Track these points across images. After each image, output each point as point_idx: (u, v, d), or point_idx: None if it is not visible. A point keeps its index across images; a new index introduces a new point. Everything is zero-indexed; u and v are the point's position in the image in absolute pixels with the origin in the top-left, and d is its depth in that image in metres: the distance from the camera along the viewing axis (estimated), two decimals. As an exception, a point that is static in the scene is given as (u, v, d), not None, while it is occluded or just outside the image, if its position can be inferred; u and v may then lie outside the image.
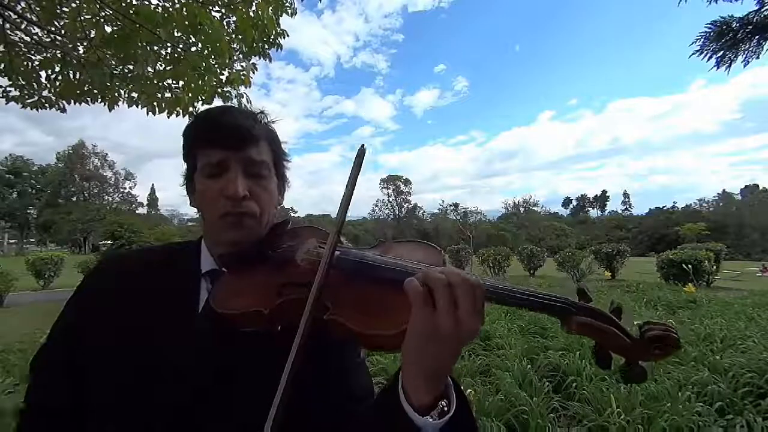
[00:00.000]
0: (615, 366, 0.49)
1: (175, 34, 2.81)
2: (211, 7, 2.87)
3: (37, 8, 2.87)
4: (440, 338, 0.46)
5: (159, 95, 3.15)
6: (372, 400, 0.68)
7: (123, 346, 0.63)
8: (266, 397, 0.45)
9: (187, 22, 2.68)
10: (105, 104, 3.15)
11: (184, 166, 0.74)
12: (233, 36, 3.02)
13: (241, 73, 3.06)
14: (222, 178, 0.66)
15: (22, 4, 2.91)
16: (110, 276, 0.72)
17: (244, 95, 3.26)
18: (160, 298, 0.67)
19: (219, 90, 3.09)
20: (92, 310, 0.68)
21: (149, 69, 2.95)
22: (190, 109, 3.21)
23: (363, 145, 0.58)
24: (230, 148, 0.67)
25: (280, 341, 0.52)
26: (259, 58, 3.17)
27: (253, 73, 3.16)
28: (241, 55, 3.10)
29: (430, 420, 0.48)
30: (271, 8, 2.99)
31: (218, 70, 2.94)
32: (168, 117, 3.19)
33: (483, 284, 0.49)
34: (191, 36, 2.84)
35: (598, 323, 0.48)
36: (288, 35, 3.26)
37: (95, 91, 3.12)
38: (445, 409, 0.49)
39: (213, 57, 2.85)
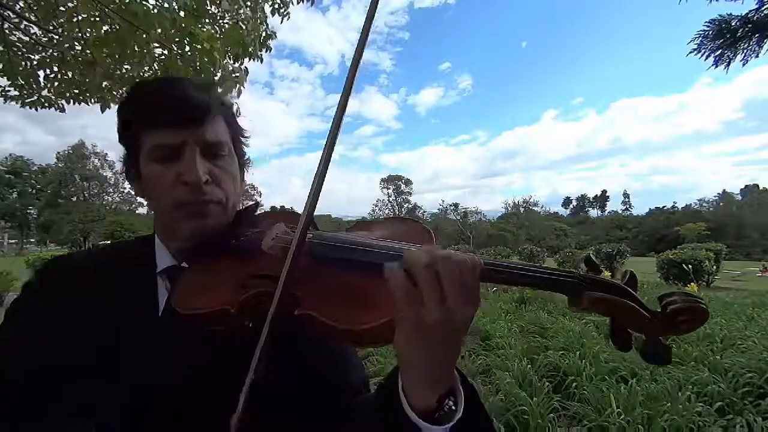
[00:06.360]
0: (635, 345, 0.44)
1: (171, 32, 2.81)
2: (202, 20, 2.88)
3: (35, 7, 2.87)
4: (431, 331, 0.40)
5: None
6: (366, 393, 0.65)
7: (82, 351, 0.57)
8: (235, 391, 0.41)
9: (182, 26, 2.68)
10: (100, 104, 3.14)
11: (122, 149, 0.66)
12: (224, 42, 3.02)
13: (234, 74, 3.05)
14: (177, 161, 0.59)
15: (21, 3, 2.91)
16: (58, 278, 0.66)
17: (236, 104, 3.22)
18: (114, 301, 0.61)
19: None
20: (44, 312, 0.61)
21: (145, 69, 2.95)
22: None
23: None
24: (185, 127, 0.58)
25: (253, 338, 0.48)
26: (250, 59, 3.17)
27: (246, 75, 3.15)
28: (231, 59, 3.10)
29: (439, 428, 0.43)
30: (258, 17, 3.01)
31: (212, 70, 2.94)
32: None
33: (477, 261, 0.43)
34: (184, 41, 2.84)
35: (613, 297, 0.42)
36: (276, 36, 3.28)
37: (89, 92, 3.11)
38: (453, 408, 0.44)
39: (206, 60, 2.85)
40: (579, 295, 0.43)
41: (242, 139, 0.71)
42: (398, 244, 0.50)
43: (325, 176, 0.47)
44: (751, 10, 3.80)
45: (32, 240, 64.66)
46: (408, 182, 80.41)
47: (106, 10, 2.64)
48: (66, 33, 2.88)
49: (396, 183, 79.12)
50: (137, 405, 0.55)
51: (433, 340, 0.41)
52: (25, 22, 2.94)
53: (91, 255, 0.73)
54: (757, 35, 3.83)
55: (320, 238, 0.53)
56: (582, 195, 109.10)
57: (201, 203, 0.60)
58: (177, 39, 2.83)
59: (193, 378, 0.57)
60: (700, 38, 4.04)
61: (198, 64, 2.85)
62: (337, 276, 0.50)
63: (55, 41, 2.99)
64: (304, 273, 0.48)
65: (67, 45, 2.92)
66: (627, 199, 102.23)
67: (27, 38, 3.00)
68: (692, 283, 9.66)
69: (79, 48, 2.95)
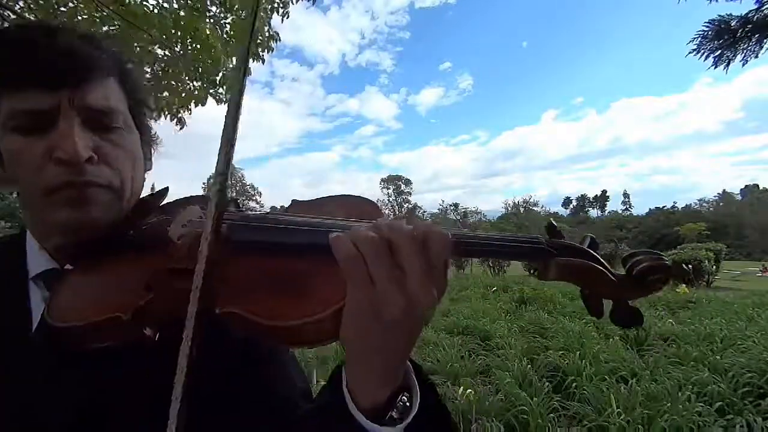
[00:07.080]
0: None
1: (171, 32, 2.82)
2: (204, 19, 2.89)
3: (35, 8, 2.87)
4: (391, 319, 0.34)
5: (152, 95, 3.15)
6: (308, 405, 0.54)
7: None
8: (152, 426, 0.32)
9: (182, 24, 2.69)
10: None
11: None
12: (226, 39, 3.02)
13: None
14: (47, 133, 0.44)
15: (21, 3, 2.91)
16: None
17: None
18: None
19: (212, 91, 3.08)
20: None
21: (146, 69, 2.96)
22: (181, 114, 3.20)
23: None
24: (57, 87, 0.44)
25: (157, 353, 0.38)
26: (253, 60, 3.19)
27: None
28: (234, 59, 3.12)
29: (391, 429, 0.37)
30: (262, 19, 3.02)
31: (212, 71, 2.95)
32: (156, 120, 3.19)
33: (442, 232, 0.35)
34: (186, 40, 2.84)
35: (583, 262, 0.39)
36: (279, 37, 3.29)
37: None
38: (407, 404, 0.38)
39: (208, 60, 2.86)
40: (548, 262, 0.39)
41: (145, 111, 0.57)
42: (342, 221, 0.42)
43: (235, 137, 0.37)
44: (750, 11, 3.81)
45: (32, 240, 64.78)
46: (408, 182, 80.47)
47: (106, 10, 2.64)
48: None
49: (396, 183, 79.15)
50: None
51: (394, 331, 0.35)
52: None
53: None
54: (756, 35, 3.84)
55: (241, 220, 0.45)
56: (582, 195, 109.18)
57: (81, 186, 0.45)
58: (179, 39, 2.83)
59: (74, 414, 0.45)
60: (700, 39, 4.04)
61: (199, 64, 2.86)
62: (265, 264, 0.41)
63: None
64: (224, 263, 0.39)
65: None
66: (627, 199, 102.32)
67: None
68: (683, 285, 9.69)
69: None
